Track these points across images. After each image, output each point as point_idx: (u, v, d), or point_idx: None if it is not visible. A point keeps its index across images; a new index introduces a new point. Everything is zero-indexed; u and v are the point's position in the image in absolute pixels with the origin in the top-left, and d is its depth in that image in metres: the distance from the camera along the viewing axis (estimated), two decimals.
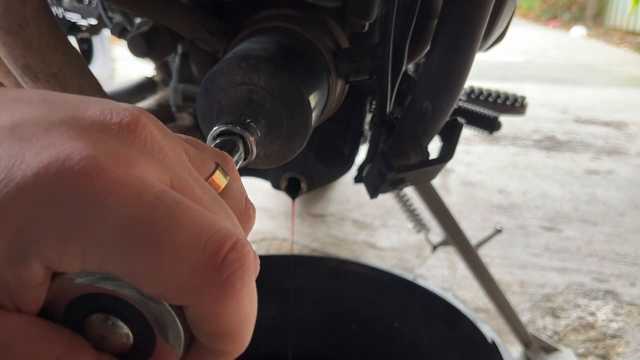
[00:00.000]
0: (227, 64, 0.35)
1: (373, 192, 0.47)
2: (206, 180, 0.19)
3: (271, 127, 0.35)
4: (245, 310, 0.16)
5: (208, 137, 0.30)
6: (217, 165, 0.20)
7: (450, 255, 1.17)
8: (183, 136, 0.20)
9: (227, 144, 0.29)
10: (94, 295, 0.16)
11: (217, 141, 0.29)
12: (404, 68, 0.43)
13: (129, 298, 0.15)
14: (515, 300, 1.02)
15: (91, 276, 0.15)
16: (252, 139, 0.30)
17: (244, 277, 0.15)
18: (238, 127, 0.30)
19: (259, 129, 0.33)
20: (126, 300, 0.15)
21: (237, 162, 0.28)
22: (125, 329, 0.16)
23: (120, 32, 0.54)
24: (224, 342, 0.16)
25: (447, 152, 0.46)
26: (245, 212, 0.21)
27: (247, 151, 0.30)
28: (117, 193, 0.14)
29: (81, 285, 0.15)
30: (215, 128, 0.30)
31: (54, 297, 0.16)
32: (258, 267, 0.17)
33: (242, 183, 0.22)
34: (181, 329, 0.16)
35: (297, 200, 1.37)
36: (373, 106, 0.53)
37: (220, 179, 0.20)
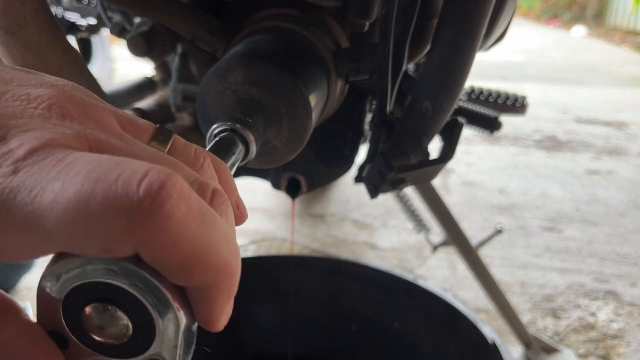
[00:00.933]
0: (227, 64, 0.35)
1: (373, 192, 0.47)
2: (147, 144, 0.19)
3: (271, 126, 0.35)
4: (194, 228, 0.15)
5: (207, 135, 0.30)
6: (155, 130, 0.20)
7: (450, 256, 1.17)
8: (121, 111, 0.20)
9: (226, 141, 0.29)
10: (86, 285, 0.15)
11: (216, 139, 0.29)
12: (404, 68, 0.43)
13: (123, 283, 0.15)
14: (515, 300, 1.02)
15: (86, 266, 0.15)
16: (251, 137, 0.30)
17: (170, 196, 0.14)
18: (238, 125, 0.30)
19: (259, 128, 0.32)
20: (121, 287, 0.15)
21: (236, 161, 0.28)
22: (124, 319, 0.16)
23: (119, 31, 0.54)
24: (196, 273, 0.16)
25: (448, 152, 0.46)
26: (196, 160, 0.20)
27: (246, 149, 0.29)
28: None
29: (73, 277, 0.15)
30: (214, 126, 0.30)
31: (48, 295, 0.16)
32: (188, 190, 0.15)
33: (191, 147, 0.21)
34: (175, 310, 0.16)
35: (297, 200, 1.37)
36: (373, 106, 0.53)
37: (158, 146, 0.19)
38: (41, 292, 0.16)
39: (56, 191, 0.14)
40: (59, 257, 0.15)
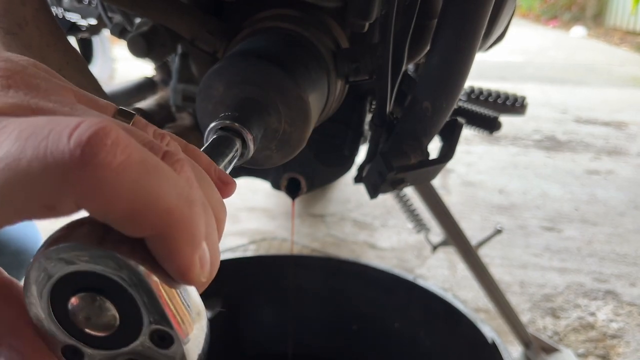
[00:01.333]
0: (226, 64, 0.35)
1: (373, 192, 0.47)
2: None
3: (270, 127, 0.35)
4: (134, 177, 0.14)
5: (206, 133, 0.30)
6: (116, 110, 0.20)
7: (450, 256, 1.17)
8: (83, 91, 0.19)
9: (224, 140, 0.29)
10: (73, 275, 0.15)
11: (214, 137, 0.29)
12: (404, 68, 0.43)
13: (112, 274, 0.15)
14: (515, 300, 1.02)
15: (69, 254, 0.15)
16: (250, 136, 0.30)
17: (104, 144, 0.14)
18: (236, 124, 0.29)
19: (258, 128, 0.32)
20: (108, 276, 0.15)
21: (233, 160, 0.28)
22: (112, 311, 0.16)
23: (120, 32, 0.54)
24: (143, 223, 0.15)
25: (447, 152, 0.46)
26: (155, 138, 0.19)
27: (244, 148, 0.29)
28: None
29: (58, 266, 0.15)
30: (213, 124, 0.30)
31: (35, 283, 0.16)
32: (126, 138, 0.15)
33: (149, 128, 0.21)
34: (159, 301, 0.15)
35: (297, 200, 1.37)
36: (373, 106, 0.53)
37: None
38: (27, 287, 0.16)
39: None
40: (42, 251, 0.15)
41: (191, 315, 0.16)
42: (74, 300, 0.16)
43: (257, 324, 0.77)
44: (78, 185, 0.14)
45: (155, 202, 0.15)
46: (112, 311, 0.16)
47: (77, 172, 0.14)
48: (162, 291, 0.16)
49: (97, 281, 0.15)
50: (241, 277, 0.74)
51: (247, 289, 0.75)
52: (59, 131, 0.14)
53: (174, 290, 0.16)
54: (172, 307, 0.16)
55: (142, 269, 0.15)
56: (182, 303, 0.16)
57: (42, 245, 0.16)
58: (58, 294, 0.16)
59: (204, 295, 0.18)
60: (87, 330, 0.16)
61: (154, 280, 0.15)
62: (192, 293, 0.17)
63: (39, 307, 0.16)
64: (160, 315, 0.16)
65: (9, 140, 0.14)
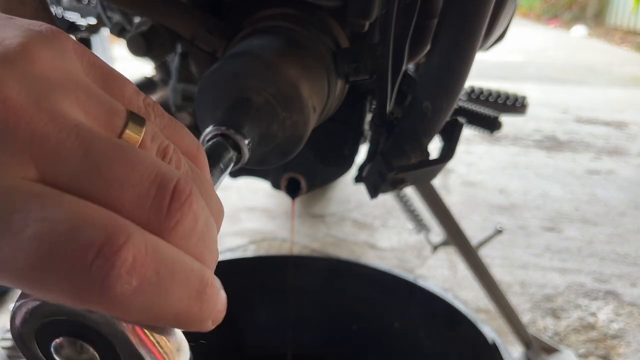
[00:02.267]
0: (225, 64, 0.35)
1: (373, 192, 0.47)
2: (119, 136, 0.17)
3: (269, 128, 0.35)
4: (147, 297, 0.14)
5: (200, 140, 0.30)
6: (128, 115, 0.17)
7: (450, 256, 1.17)
8: (86, 86, 0.17)
9: (219, 146, 0.29)
10: (57, 321, 0.16)
11: (209, 144, 0.29)
12: (404, 68, 0.43)
13: (88, 321, 0.15)
14: (515, 300, 1.02)
15: (43, 304, 0.15)
16: (244, 141, 0.30)
17: (121, 277, 0.14)
18: (231, 130, 0.30)
19: (255, 131, 0.32)
20: (85, 324, 0.15)
21: (228, 165, 0.28)
22: (92, 351, 0.16)
23: (119, 31, 0.54)
24: (154, 326, 0.16)
25: (448, 152, 0.46)
26: (167, 159, 0.18)
27: (238, 154, 0.29)
28: None
29: (42, 312, 0.15)
30: (207, 131, 0.30)
31: (21, 325, 0.16)
32: (142, 258, 0.14)
33: (164, 120, 0.19)
34: (135, 347, 0.16)
35: (297, 200, 1.37)
36: (373, 106, 0.53)
37: (133, 132, 0.17)
38: (12, 322, 0.16)
39: (5, 258, 0.13)
40: (24, 294, 0.16)
41: (170, 356, 0.17)
42: (57, 341, 0.16)
43: (257, 324, 0.77)
44: (92, 306, 0.14)
45: (166, 312, 0.15)
46: (93, 353, 0.16)
47: (94, 299, 0.14)
48: (139, 339, 0.16)
49: (78, 328, 0.16)
50: (241, 277, 0.74)
51: (247, 289, 0.75)
52: (79, 255, 0.13)
53: (151, 337, 0.16)
54: (149, 351, 0.16)
55: (117, 324, 0.15)
56: (161, 347, 0.16)
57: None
58: (42, 333, 0.16)
59: None
60: None
61: (131, 331, 0.16)
62: (175, 332, 0.17)
63: (23, 342, 0.17)
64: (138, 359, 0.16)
65: (28, 248, 0.13)
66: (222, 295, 0.17)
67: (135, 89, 0.19)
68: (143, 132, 0.17)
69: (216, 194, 0.19)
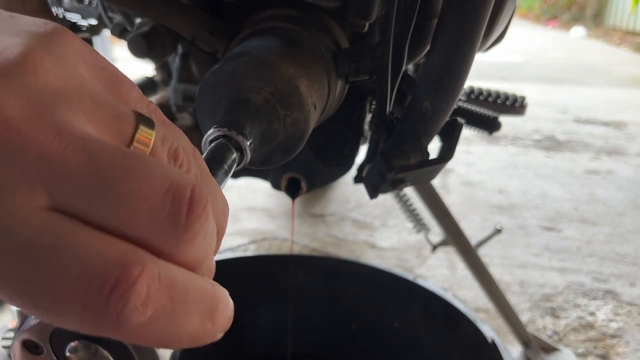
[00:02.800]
0: (226, 64, 0.35)
1: (373, 192, 0.48)
2: (130, 141, 0.16)
3: (270, 127, 0.35)
4: (161, 327, 0.15)
5: (203, 141, 0.30)
6: (137, 118, 0.17)
7: (450, 255, 1.17)
8: (91, 91, 0.16)
9: (222, 148, 0.29)
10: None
11: (212, 145, 0.29)
12: (404, 68, 0.43)
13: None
14: (515, 300, 1.02)
15: None
16: (246, 142, 0.30)
17: (137, 310, 0.14)
18: (233, 131, 0.30)
19: (256, 131, 0.33)
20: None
21: (232, 166, 0.28)
22: (106, 354, 0.16)
23: (120, 32, 0.54)
24: (174, 347, 0.16)
25: (447, 152, 0.46)
26: (178, 162, 0.17)
27: (241, 155, 0.30)
28: None
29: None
30: (209, 132, 0.30)
31: (36, 329, 0.16)
32: (156, 290, 0.14)
33: (169, 128, 0.19)
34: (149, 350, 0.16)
35: (297, 200, 1.38)
36: (373, 106, 0.53)
37: (144, 136, 0.16)
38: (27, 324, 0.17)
39: (23, 289, 0.14)
40: None
41: None
42: (73, 344, 0.16)
43: (257, 323, 0.77)
44: (107, 333, 0.14)
45: (181, 336, 0.15)
46: (107, 356, 0.16)
47: (109, 330, 0.14)
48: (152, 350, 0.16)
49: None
50: (241, 277, 0.74)
51: (247, 289, 0.75)
52: (94, 289, 0.13)
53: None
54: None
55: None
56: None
57: None
58: (58, 337, 0.16)
59: None
60: None
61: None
62: None
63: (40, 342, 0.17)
64: None
65: (38, 283, 0.13)
66: (231, 305, 0.17)
67: (141, 93, 0.19)
68: (154, 136, 0.17)
69: (222, 193, 0.19)
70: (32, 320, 0.16)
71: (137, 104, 0.18)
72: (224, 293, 0.17)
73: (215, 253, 0.18)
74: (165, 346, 0.15)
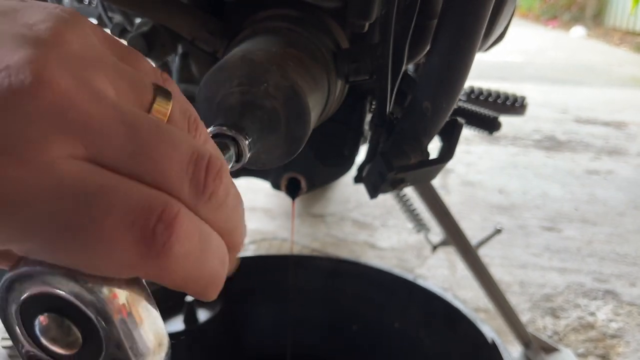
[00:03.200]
0: (225, 65, 0.35)
1: (373, 192, 0.48)
2: (148, 110, 0.18)
3: (269, 128, 0.35)
4: (192, 262, 0.16)
5: None
6: (156, 89, 0.18)
7: (450, 255, 1.17)
8: (112, 62, 0.17)
9: (220, 146, 0.29)
10: (42, 295, 0.16)
11: None
12: (404, 68, 0.43)
13: (74, 297, 0.15)
14: (515, 300, 1.02)
15: (38, 273, 0.15)
16: (245, 142, 0.30)
17: (180, 241, 0.16)
18: (232, 130, 0.30)
19: (255, 131, 0.32)
20: (70, 300, 0.15)
21: (229, 165, 0.28)
22: (76, 333, 0.16)
23: (120, 32, 0.54)
24: (188, 290, 0.17)
25: (447, 152, 0.46)
26: (192, 126, 0.19)
27: (239, 154, 0.30)
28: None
29: (27, 286, 0.15)
30: (208, 131, 0.30)
31: (5, 296, 0.16)
32: (192, 230, 0.16)
33: (182, 97, 0.20)
34: (120, 333, 0.16)
35: (297, 200, 1.38)
36: (373, 106, 0.53)
37: (162, 107, 0.18)
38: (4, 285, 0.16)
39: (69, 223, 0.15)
40: (14, 266, 0.16)
41: (151, 349, 0.17)
42: (42, 319, 0.16)
43: (257, 324, 0.77)
44: (143, 273, 0.16)
45: (202, 275, 0.17)
46: (77, 335, 0.16)
47: (148, 266, 0.15)
48: (123, 326, 0.16)
49: (64, 306, 0.16)
50: (241, 277, 0.74)
51: (247, 289, 0.75)
52: (142, 221, 0.15)
53: (136, 329, 0.16)
54: (133, 341, 0.16)
55: (108, 305, 0.16)
56: (144, 339, 0.17)
57: (19, 263, 0.16)
58: (27, 309, 0.16)
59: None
60: (51, 347, 0.16)
61: (118, 317, 0.16)
62: (157, 323, 0.17)
63: (8, 315, 0.16)
64: (119, 348, 0.16)
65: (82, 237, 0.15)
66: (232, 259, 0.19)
67: (152, 65, 0.20)
68: (170, 106, 0.18)
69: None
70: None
71: (151, 75, 0.19)
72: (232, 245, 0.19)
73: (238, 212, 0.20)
74: (187, 284, 0.17)
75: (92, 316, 0.16)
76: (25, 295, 0.16)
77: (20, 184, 0.14)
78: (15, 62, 0.14)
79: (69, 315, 0.16)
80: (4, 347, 0.72)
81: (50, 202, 0.14)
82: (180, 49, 0.55)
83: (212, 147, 0.20)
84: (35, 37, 0.15)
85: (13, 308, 0.16)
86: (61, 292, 0.15)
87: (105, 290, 0.16)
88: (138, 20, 0.51)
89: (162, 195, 0.16)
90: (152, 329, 0.17)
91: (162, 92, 0.18)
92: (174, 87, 0.20)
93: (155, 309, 0.17)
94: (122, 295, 0.16)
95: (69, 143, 0.15)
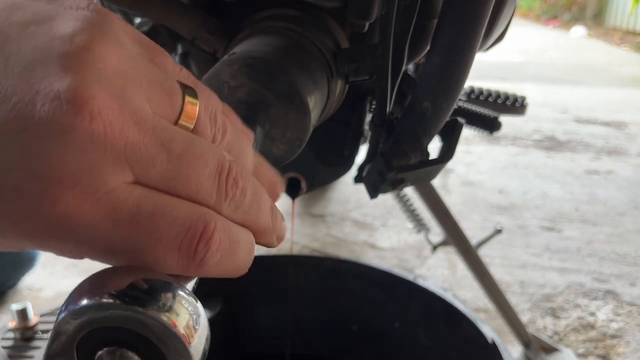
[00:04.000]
0: (225, 65, 0.35)
1: (373, 192, 0.48)
2: (178, 117, 0.19)
3: (269, 128, 0.35)
4: (224, 263, 0.19)
5: None
6: (184, 90, 0.19)
7: (450, 255, 1.17)
8: (145, 70, 0.18)
9: None
10: (99, 330, 0.16)
11: None
12: (404, 68, 0.43)
13: (131, 325, 0.15)
14: (515, 300, 1.02)
15: (91, 309, 0.15)
16: None
17: (215, 254, 0.18)
18: None
19: (256, 130, 0.32)
20: (129, 329, 0.15)
21: None
22: (135, 358, 0.16)
23: None
24: (222, 276, 0.20)
25: (447, 152, 0.46)
26: (217, 127, 0.20)
27: None
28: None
29: (81, 323, 0.15)
30: None
31: (61, 337, 0.16)
32: (224, 235, 0.19)
33: (204, 89, 0.21)
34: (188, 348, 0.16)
35: (297, 200, 1.38)
36: (373, 106, 0.53)
37: (191, 109, 0.19)
38: (58, 329, 0.16)
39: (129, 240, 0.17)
40: (77, 298, 0.16)
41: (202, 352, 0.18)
42: (101, 353, 0.16)
43: (257, 323, 0.77)
44: (185, 271, 0.18)
45: (233, 267, 0.20)
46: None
47: (189, 265, 0.18)
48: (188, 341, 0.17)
49: (123, 335, 0.16)
50: (241, 277, 0.73)
51: (247, 289, 0.75)
52: (187, 243, 0.18)
53: (193, 329, 0.17)
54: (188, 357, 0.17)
55: (171, 326, 0.16)
56: (198, 348, 0.18)
57: (70, 297, 0.16)
58: (85, 344, 0.16)
59: (204, 295, 0.19)
60: None
61: (178, 335, 0.16)
62: (205, 324, 0.19)
63: (67, 355, 0.16)
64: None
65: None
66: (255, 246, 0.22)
67: (173, 60, 0.21)
68: (198, 106, 0.19)
69: (250, 146, 0.23)
70: (54, 344, 0.16)
71: (175, 72, 0.20)
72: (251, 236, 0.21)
73: (272, 199, 0.23)
74: (219, 275, 0.19)
75: (157, 342, 0.16)
76: (82, 333, 0.16)
77: (80, 213, 0.15)
78: (65, 90, 0.15)
79: (129, 344, 0.16)
80: (5, 347, 0.72)
81: (108, 229, 0.16)
82: (180, 49, 0.55)
83: (232, 140, 0.21)
84: (75, 57, 0.16)
85: (69, 346, 0.16)
86: (121, 324, 0.16)
87: (163, 317, 0.16)
88: (138, 20, 0.51)
89: (198, 212, 0.18)
90: (205, 334, 0.18)
91: (189, 92, 0.19)
92: (195, 81, 0.21)
93: (198, 303, 0.18)
94: (181, 317, 0.17)
95: (121, 171, 0.16)
